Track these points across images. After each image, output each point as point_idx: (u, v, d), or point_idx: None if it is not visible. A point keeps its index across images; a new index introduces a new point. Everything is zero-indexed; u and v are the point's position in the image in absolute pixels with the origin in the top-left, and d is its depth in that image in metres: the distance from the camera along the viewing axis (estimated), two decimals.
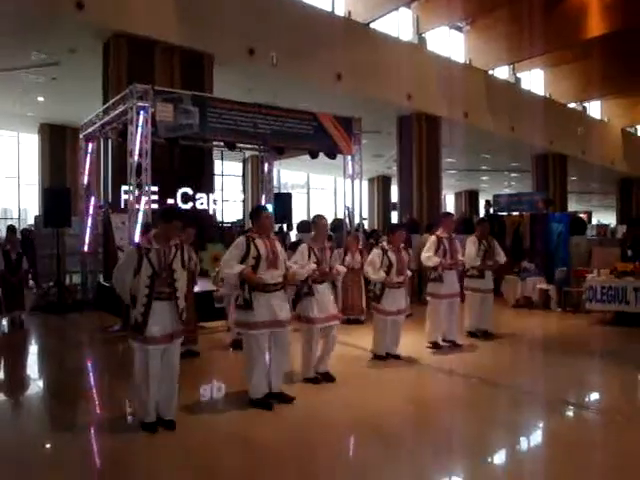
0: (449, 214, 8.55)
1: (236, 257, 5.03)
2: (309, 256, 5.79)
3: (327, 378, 5.93)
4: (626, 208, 28.78)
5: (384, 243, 6.99)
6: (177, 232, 4.71)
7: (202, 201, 10.88)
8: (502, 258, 8.33)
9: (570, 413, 5.41)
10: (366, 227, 16.64)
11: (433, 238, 7.60)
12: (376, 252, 6.85)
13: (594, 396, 6.13)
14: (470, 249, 8.15)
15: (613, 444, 4.48)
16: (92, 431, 4.83)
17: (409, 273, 7.05)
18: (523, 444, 4.67)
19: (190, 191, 10.71)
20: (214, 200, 11.14)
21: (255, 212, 5.37)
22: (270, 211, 5.42)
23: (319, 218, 6.16)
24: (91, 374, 7.11)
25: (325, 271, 5.89)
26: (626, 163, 26.58)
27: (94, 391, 6.26)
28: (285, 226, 12.69)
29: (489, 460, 4.28)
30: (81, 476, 3.96)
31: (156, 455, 4.23)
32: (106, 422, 5.03)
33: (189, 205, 10.69)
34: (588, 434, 4.84)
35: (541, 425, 5.10)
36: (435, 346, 7.50)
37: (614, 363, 7.16)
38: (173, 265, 4.58)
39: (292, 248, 9.89)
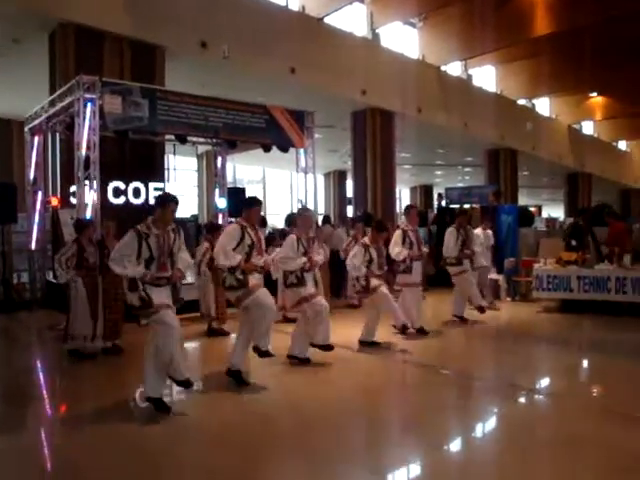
0: (412, 207, 8.90)
1: (232, 245, 5.37)
2: (298, 247, 6.13)
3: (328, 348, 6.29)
4: (573, 202, 29.67)
5: (365, 239, 7.29)
6: (173, 216, 4.95)
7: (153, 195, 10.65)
8: (478, 247, 8.97)
9: (521, 397, 5.54)
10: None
11: (398, 232, 7.86)
12: (359, 249, 7.08)
13: (544, 380, 6.33)
14: (449, 240, 8.63)
15: (562, 425, 4.62)
16: (42, 432, 4.71)
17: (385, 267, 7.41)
18: (477, 428, 4.77)
19: (141, 185, 10.46)
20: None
21: (248, 203, 5.72)
22: (260, 206, 5.77)
23: (304, 210, 6.78)
24: (40, 373, 6.95)
25: (316, 262, 6.28)
26: (572, 158, 27.42)
27: (43, 390, 6.12)
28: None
29: (444, 446, 4.34)
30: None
31: (109, 454, 4.11)
32: (56, 422, 4.95)
33: (141, 199, 10.44)
34: (539, 417, 4.99)
35: (494, 409, 5.21)
36: (404, 328, 7.54)
37: (561, 348, 7.45)
38: (173, 249, 4.86)
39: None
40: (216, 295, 7.99)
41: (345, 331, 7.40)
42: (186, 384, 4.89)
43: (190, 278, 7.84)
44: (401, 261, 7.68)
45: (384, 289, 7.09)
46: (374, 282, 7.02)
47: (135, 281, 4.69)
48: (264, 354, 5.60)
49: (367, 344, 7.18)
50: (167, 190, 10.67)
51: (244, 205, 5.72)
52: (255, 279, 5.53)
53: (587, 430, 4.45)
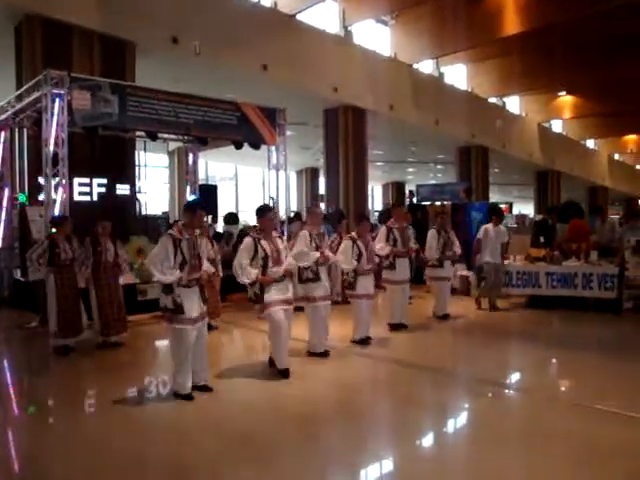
0: (398, 205, 9.10)
1: (247, 259, 5.57)
2: (310, 242, 6.34)
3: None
4: (543, 199, 30.16)
5: (353, 233, 7.27)
6: (202, 221, 5.57)
7: (123, 192, 10.55)
8: (458, 249, 8.94)
9: (492, 392, 5.62)
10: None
11: (383, 228, 8.01)
12: (348, 243, 7.06)
13: (513, 375, 6.47)
14: (431, 242, 8.76)
15: (531, 419, 4.73)
16: (9, 432, 4.63)
17: (376, 259, 7.46)
18: (448, 423, 4.85)
19: (109, 182, 10.35)
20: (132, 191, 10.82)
21: (259, 212, 5.82)
22: (271, 213, 6.00)
23: (314, 206, 6.99)
24: (7, 372, 6.83)
25: (328, 257, 6.49)
26: (542, 156, 27.86)
27: (10, 389, 6.02)
28: (210, 218, 12.52)
29: (416, 440, 4.41)
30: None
31: (74, 455, 4.07)
32: (23, 421, 4.88)
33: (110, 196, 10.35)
34: (508, 411, 5.09)
35: (465, 405, 5.30)
36: (395, 327, 7.93)
37: (529, 344, 7.58)
38: (200, 252, 5.29)
39: (216, 239, 9.87)
40: None
41: None
42: (204, 389, 5.23)
43: None
44: (384, 257, 7.79)
45: (363, 302, 7.09)
46: (360, 289, 7.00)
47: (171, 285, 4.97)
48: (281, 372, 5.75)
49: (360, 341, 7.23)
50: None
51: (256, 215, 5.85)
52: (276, 293, 5.66)
53: (555, 424, 4.56)
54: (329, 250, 7.06)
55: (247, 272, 5.53)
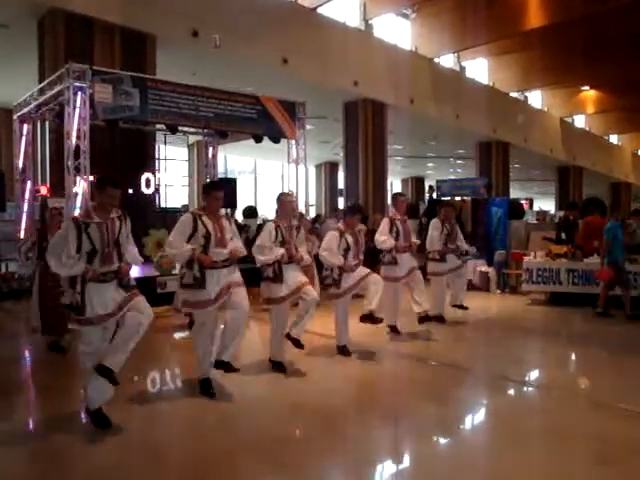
0: (400, 194, 8.10)
1: (182, 236, 4.77)
2: (276, 235, 5.54)
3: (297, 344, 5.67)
4: (564, 195, 29.79)
5: (340, 225, 6.58)
6: (114, 201, 4.28)
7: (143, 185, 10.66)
8: (463, 244, 8.11)
9: (511, 389, 5.57)
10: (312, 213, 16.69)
11: (386, 220, 7.26)
12: (333, 234, 6.30)
13: (533, 372, 6.38)
14: (432, 233, 7.90)
15: (551, 416, 4.67)
16: (29, 426, 4.64)
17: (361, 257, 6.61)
18: (467, 419, 4.78)
19: (129, 175, 10.46)
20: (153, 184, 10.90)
21: (206, 189, 5.07)
22: (220, 191, 5.06)
23: (284, 195, 5.99)
24: (27, 364, 6.90)
25: (293, 254, 5.61)
26: (564, 152, 27.52)
27: (30, 382, 6.07)
28: (229, 211, 12.56)
29: (433, 436, 4.36)
30: (18, 475, 3.75)
31: (96, 451, 4.04)
32: (44, 415, 4.87)
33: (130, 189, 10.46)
34: (528, 408, 5.02)
35: (483, 401, 5.24)
36: (393, 330, 7.35)
37: (549, 341, 7.50)
38: (120, 239, 4.28)
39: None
40: None
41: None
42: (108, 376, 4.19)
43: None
44: (387, 251, 7.06)
45: (345, 303, 6.38)
46: (344, 284, 6.20)
47: (75, 279, 4.16)
48: (201, 382, 5.05)
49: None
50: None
51: (204, 192, 5.07)
52: (214, 285, 4.79)
53: (575, 421, 4.50)
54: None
55: (176, 246, 4.73)
